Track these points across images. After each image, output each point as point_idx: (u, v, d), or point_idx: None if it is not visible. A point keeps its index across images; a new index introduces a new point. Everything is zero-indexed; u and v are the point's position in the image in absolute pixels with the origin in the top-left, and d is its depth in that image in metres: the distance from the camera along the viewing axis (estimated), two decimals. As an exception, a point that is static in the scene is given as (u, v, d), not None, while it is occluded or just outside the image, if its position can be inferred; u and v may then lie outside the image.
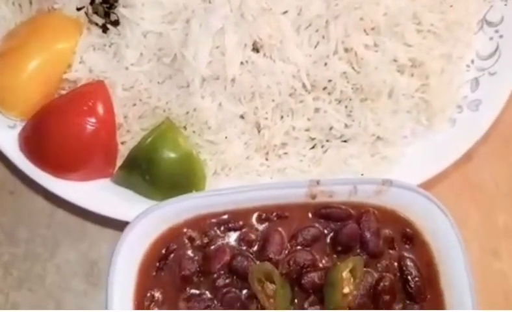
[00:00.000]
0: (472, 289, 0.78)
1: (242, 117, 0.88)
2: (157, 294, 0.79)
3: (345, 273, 0.76)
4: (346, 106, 0.89)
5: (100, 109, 0.85)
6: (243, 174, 0.90)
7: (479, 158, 0.97)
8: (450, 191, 0.92)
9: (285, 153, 0.91)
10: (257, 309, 0.77)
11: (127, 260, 0.78)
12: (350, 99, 0.89)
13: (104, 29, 0.87)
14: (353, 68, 0.87)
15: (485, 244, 0.94)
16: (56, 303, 0.90)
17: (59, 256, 0.92)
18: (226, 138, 0.86)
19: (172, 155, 0.85)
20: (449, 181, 0.95)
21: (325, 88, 0.88)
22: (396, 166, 0.90)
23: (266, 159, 0.91)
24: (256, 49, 0.86)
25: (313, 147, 0.91)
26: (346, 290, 0.76)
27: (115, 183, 0.89)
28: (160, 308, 0.78)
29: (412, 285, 0.79)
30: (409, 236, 0.82)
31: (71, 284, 0.91)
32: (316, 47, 0.87)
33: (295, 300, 0.78)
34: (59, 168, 0.87)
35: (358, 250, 0.80)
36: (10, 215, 0.95)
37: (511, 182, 0.97)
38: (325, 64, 0.86)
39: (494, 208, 0.96)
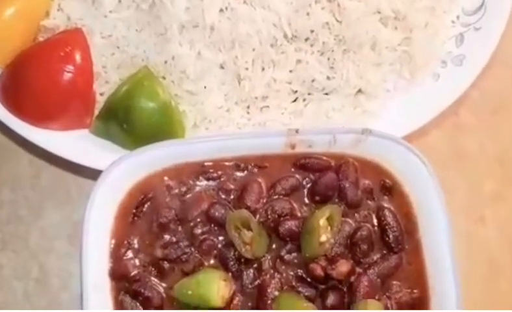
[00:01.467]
0: (450, 239, 0.78)
1: (221, 67, 0.86)
2: (134, 242, 0.78)
3: (322, 221, 0.76)
4: (328, 58, 0.88)
5: (77, 56, 0.83)
6: (223, 127, 0.89)
7: (466, 129, 0.97)
8: (437, 161, 0.89)
9: (266, 106, 0.90)
10: (234, 256, 0.77)
11: (102, 208, 0.77)
12: (332, 51, 0.88)
13: (82, -25, 0.86)
14: (335, 18, 0.86)
15: (470, 212, 0.94)
16: (40, 265, 0.90)
17: (43, 218, 0.91)
18: (205, 87, 0.85)
19: (150, 103, 0.84)
20: (436, 151, 0.95)
21: (307, 39, 0.87)
22: (377, 119, 0.90)
23: (247, 112, 0.90)
24: (236, -5, 0.85)
25: (295, 101, 0.90)
26: (323, 238, 0.76)
27: (94, 134, 0.88)
28: (136, 255, 0.78)
29: (390, 235, 0.79)
30: (388, 187, 0.81)
31: (54, 246, 0.91)
32: (297, -6, 0.86)
33: (273, 246, 0.78)
34: (37, 116, 0.86)
35: (336, 200, 0.80)
36: (-7, 177, 0.95)
37: (498, 151, 0.97)
38: (307, 14, 0.85)
39: (480, 175, 0.95)
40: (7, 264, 0.91)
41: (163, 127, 0.85)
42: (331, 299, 0.76)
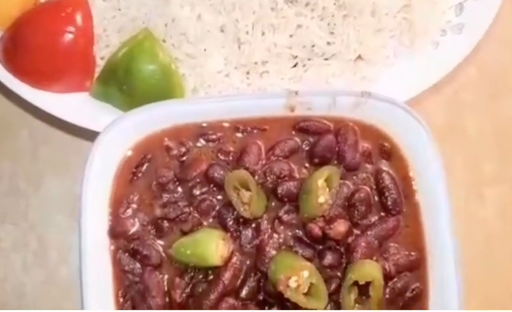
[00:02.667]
0: (448, 204, 0.78)
1: (221, 30, 0.86)
2: (133, 201, 0.79)
3: (320, 182, 0.76)
4: (329, 24, 0.88)
5: (78, 17, 0.83)
6: (223, 92, 0.89)
7: (465, 109, 0.97)
8: (436, 137, 0.90)
9: (266, 72, 0.90)
10: (233, 216, 0.78)
11: (101, 167, 0.77)
12: (333, 16, 0.87)
13: None
14: (335, -17, 0.87)
15: (469, 191, 0.94)
16: (39, 238, 0.90)
17: (43, 191, 0.92)
18: (205, 50, 0.85)
19: (150, 65, 0.84)
20: (435, 128, 0.93)
21: (307, 4, 0.87)
22: (377, 85, 0.90)
23: (247, 78, 0.90)
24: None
25: (294, 66, 0.90)
26: (321, 199, 0.76)
27: (94, 97, 0.88)
28: (135, 214, 0.78)
29: (388, 198, 0.79)
30: (387, 151, 0.81)
31: (54, 219, 0.91)
32: (298, -44, 0.85)
33: (272, 207, 0.78)
34: (37, 78, 0.86)
35: (335, 162, 0.80)
36: (-7, 149, 0.94)
37: (496, 133, 0.97)
38: (308, -22, 0.86)
39: (479, 154, 0.96)
40: (6, 237, 0.91)
41: (163, 90, 0.85)
42: (328, 259, 0.76)
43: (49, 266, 0.89)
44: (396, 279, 0.78)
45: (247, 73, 0.90)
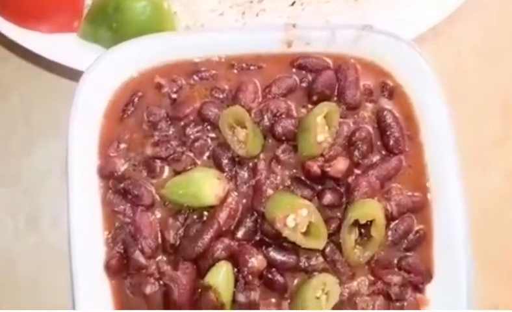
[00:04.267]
0: (454, 144, 0.75)
1: (216, -36, 0.83)
2: (123, 140, 0.76)
3: (319, 118, 0.73)
4: (328, -41, 0.85)
5: (65, -48, 0.80)
6: (216, 30, 0.86)
7: (468, 73, 0.93)
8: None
9: (262, 10, 0.86)
10: (228, 156, 0.74)
11: (89, 105, 0.74)
12: (331, -50, 0.84)
13: None
14: None
15: (474, 156, 0.91)
16: (31, 202, 0.88)
17: (35, 154, 0.89)
18: (198, -15, 0.82)
19: (140, 1, 0.80)
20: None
21: None
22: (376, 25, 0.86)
23: (242, 18, 0.86)
24: None
25: (292, 4, 0.86)
26: (320, 137, 0.73)
27: (82, 37, 0.84)
28: (126, 154, 0.75)
29: (390, 137, 0.76)
30: (389, 89, 0.78)
31: (46, 182, 0.89)
32: None
33: (269, 146, 0.75)
34: (24, 17, 0.82)
35: (335, 100, 0.77)
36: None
37: (501, 97, 0.93)
38: None
39: (482, 118, 0.92)
40: (-3, 202, 0.89)
41: (153, 28, 0.80)
42: (327, 198, 0.73)
43: (41, 230, 0.87)
44: (398, 221, 0.75)
45: (243, 13, 0.86)
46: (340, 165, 0.72)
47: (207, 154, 0.75)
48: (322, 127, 0.73)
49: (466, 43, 0.94)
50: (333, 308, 0.71)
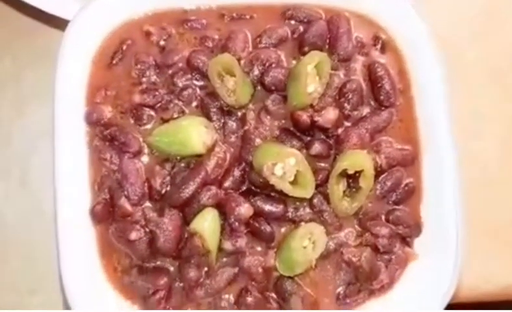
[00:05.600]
0: (445, 96, 0.74)
1: None
2: (111, 87, 0.74)
3: (310, 68, 0.71)
4: None
5: None
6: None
7: (460, 42, 0.90)
8: None
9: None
10: (217, 106, 0.73)
11: (77, 52, 0.73)
12: None
13: None
14: None
15: (465, 126, 0.88)
16: (22, 166, 0.86)
17: (26, 117, 0.88)
18: None
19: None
20: None
21: None
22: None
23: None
24: None
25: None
26: (311, 88, 0.72)
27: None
28: (113, 101, 0.74)
29: (381, 89, 0.75)
30: (382, 42, 0.77)
31: (37, 146, 0.87)
32: None
33: (258, 93, 0.73)
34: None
35: (326, 51, 0.75)
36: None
37: (494, 66, 0.90)
38: None
39: (476, 90, 0.90)
40: (-12, 166, 0.88)
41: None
42: (316, 148, 0.72)
43: (32, 195, 0.85)
44: (387, 174, 0.74)
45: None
46: (330, 115, 0.71)
47: (195, 103, 0.74)
48: (313, 77, 0.72)
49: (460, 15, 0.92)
50: (319, 258, 0.71)
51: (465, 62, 0.90)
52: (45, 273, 0.83)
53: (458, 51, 0.90)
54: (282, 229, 0.72)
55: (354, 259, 0.71)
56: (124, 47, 0.75)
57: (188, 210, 0.70)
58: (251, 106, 0.74)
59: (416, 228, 0.74)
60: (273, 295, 0.72)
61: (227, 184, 0.71)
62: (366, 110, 0.75)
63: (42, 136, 0.87)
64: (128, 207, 0.71)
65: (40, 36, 0.89)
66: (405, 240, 0.74)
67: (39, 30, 0.89)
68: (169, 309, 0.71)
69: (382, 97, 0.75)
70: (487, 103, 0.89)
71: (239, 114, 0.74)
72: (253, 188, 0.72)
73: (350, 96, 0.74)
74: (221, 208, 0.71)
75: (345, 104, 0.74)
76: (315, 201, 0.71)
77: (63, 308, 0.81)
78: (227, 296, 0.72)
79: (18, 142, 0.87)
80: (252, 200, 0.71)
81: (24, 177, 0.86)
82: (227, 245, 0.70)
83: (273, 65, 0.74)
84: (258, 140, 0.72)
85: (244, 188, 0.72)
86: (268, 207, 0.71)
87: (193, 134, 0.70)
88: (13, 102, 0.88)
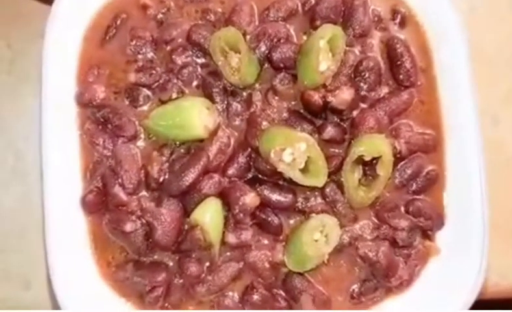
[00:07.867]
0: (471, 77, 0.67)
1: None
2: (104, 65, 0.69)
3: (322, 43, 0.65)
4: None
5: None
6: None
7: (480, 27, 0.83)
8: None
9: None
10: (220, 86, 0.67)
11: (67, 27, 0.67)
12: None
13: None
14: None
15: (485, 111, 0.82)
16: (16, 153, 0.81)
17: (20, 103, 0.83)
18: None
19: None
20: None
21: None
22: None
23: None
24: None
25: None
26: (323, 66, 0.65)
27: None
28: (107, 81, 0.68)
29: (401, 68, 0.68)
30: (401, 16, 0.70)
31: (32, 132, 0.81)
32: None
33: (266, 73, 0.67)
34: None
35: (340, 26, 0.69)
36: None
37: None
38: None
39: (495, 75, 0.84)
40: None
41: None
42: (329, 132, 0.66)
43: (27, 182, 0.81)
44: (407, 161, 0.68)
45: None
46: (345, 95, 0.65)
47: (196, 82, 0.68)
48: (325, 54, 0.66)
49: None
50: (332, 252, 0.65)
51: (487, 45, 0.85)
52: (40, 264, 0.77)
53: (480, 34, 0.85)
54: (292, 221, 0.67)
55: (370, 254, 0.65)
56: (118, 22, 0.69)
57: (188, 200, 0.65)
58: (257, 86, 0.68)
59: (438, 220, 0.68)
60: (282, 293, 0.67)
61: (230, 171, 0.66)
62: (384, 91, 0.69)
63: (36, 122, 0.82)
64: (122, 196, 0.65)
65: (35, 20, 0.84)
66: (426, 233, 0.68)
67: (34, 13, 0.82)
68: (168, 307, 0.66)
69: (401, 77, 0.69)
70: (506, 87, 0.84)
71: (244, 94, 0.68)
72: (259, 176, 0.66)
73: (367, 75, 0.68)
74: (225, 198, 0.65)
75: (362, 84, 0.68)
76: (328, 190, 0.66)
77: (51, 305, 0.76)
78: (230, 293, 0.67)
79: (12, 128, 0.82)
80: (258, 189, 0.65)
81: (18, 164, 0.82)
82: (231, 238, 0.65)
83: (282, 41, 0.68)
84: (265, 123, 0.66)
85: (250, 176, 0.67)
86: (275, 197, 0.65)
87: (194, 116, 0.64)
88: (6, 87, 0.83)
